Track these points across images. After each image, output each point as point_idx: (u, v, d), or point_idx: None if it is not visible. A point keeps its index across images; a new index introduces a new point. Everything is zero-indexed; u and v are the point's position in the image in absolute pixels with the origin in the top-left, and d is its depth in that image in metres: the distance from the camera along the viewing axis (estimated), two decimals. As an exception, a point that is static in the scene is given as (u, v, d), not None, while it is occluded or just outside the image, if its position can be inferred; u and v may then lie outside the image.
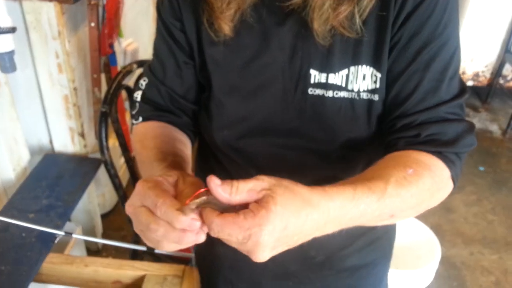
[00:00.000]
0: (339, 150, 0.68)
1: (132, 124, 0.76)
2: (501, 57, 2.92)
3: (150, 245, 0.50)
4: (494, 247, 2.07)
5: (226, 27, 0.62)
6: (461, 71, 2.97)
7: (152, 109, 0.74)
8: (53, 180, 1.47)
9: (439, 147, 0.60)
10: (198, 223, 0.45)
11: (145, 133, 0.72)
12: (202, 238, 0.47)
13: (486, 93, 3.16)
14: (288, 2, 0.59)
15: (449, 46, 0.60)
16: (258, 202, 0.45)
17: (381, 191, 0.52)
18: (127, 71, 1.31)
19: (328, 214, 0.48)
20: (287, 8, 0.60)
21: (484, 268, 1.97)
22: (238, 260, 0.82)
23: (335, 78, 0.62)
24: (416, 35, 0.59)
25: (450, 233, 2.14)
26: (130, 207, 0.50)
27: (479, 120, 3.04)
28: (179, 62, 0.71)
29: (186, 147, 0.71)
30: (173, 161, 0.63)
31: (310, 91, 0.64)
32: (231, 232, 0.44)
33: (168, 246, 0.48)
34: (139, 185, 0.49)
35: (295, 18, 0.61)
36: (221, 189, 0.45)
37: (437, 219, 2.21)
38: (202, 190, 0.47)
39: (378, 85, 0.62)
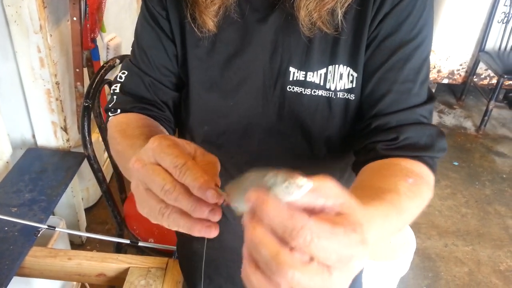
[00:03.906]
0: (315, 151, 0.69)
1: (108, 116, 0.71)
2: (476, 56, 3.01)
3: (149, 214, 0.43)
4: (467, 239, 2.15)
5: (210, 23, 0.63)
6: (436, 69, 3.06)
7: (133, 100, 0.70)
8: (36, 174, 1.47)
9: (417, 151, 0.60)
10: (217, 196, 0.40)
11: (127, 123, 0.67)
12: (215, 218, 0.41)
13: (461, 90, 3.25)
14: None
15: (423, 49, 0.61)
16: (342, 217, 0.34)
17: (400, 205, 0.49)
18: (110, 66, 1.31)
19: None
20: None
21: (458, 259, 2.04)
22: (215, 256, 0.83)
23: (314, 77, 0.64)
24: (392, 35, 0.61)
25: (425, 225, 2.22)
26: (138, 163, 0.43)
27: (454, 117, 3.13)
28: (168, 52, 0.69)
29: None
30: None
31: (289, 88, 0.65)
32: (329, 246, 0.31)
33: (172, 216, 0.41)
34: (155, 141, 0.43)
35: (278, 13, 0.63)
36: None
37: (413, 212, 2.27)
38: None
39: (354, 85, 0.63)
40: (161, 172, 0.41)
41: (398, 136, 0.61)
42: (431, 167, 0.61)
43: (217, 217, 0.41)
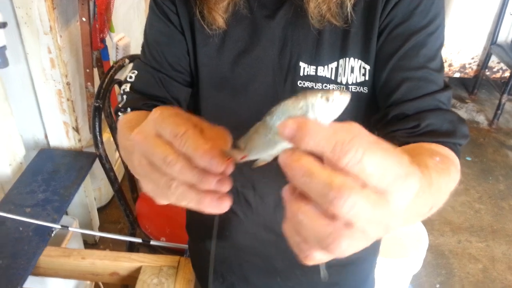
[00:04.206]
0: None
1: (118, 116, 0.70)
2: (487, 49, 2.97)
3: (154, 191, 0.40)
4: (481, 235, 2.13)
5: (220, 19, 0.63)
6: (448, 63, 3.02)
7: (143, 98, 0.69)
8: (49, 175, 1.49)
9: (440, 137, 0.58)
10: (221, 164, 0.37)
11: (137, 119, 0.65)
12: (224, 188, 0.38)
13: (473, 84, 3.21)
14: None
15: (436, 37, 0.61)
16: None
17: (430, 179, 0.46)
18: (119, 66, 1.32)
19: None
20: None
21: (472, 256, 2.02)
22: (227, 255, 0.83)
23: (324, 71, 0.63)
24: (403, 23, 0.60)
25: (438, 222, 2.19)
26: (139, 135, 0.40)
27: (466, 111, 3.09)
28: (180, 47, 0.69)
29: None
30: None
31: (300, 83, 0.65)
32: (382, 161, 0.28)
33: (179, 189, 0.38)
34: (157, 111, 0.40)
35: (287, 7, 0.63)
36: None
37: (425, 208, 2.25)
38: None
39: (367, 77, 0.63)
40: (162, 144, 0.38)
41: (419, 123, 0.58)
42: (456, 152, 0.59)
43: (226, 187, 0.38)
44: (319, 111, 0.31)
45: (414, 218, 0.47)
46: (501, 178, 2.48)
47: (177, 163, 0.37)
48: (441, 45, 0.62)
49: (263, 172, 0.74)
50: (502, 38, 2.93)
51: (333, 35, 0.62)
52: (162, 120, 0.39)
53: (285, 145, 0.33)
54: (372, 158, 0.28)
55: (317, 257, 0.31)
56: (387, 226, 0.30)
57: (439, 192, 0.48)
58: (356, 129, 0.29)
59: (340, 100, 0.31)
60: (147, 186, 0.41)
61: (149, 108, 0.68)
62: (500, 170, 2.54)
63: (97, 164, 1.52)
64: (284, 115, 0.33)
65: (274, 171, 0.78)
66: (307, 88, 0.65)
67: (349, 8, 0.59)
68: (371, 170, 0.28)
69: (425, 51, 0.60)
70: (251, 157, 0.38)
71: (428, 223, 2.07)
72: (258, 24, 0.65)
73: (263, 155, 0.37)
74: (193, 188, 0.38)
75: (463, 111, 3.08)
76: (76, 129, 1.66)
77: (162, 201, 0.40)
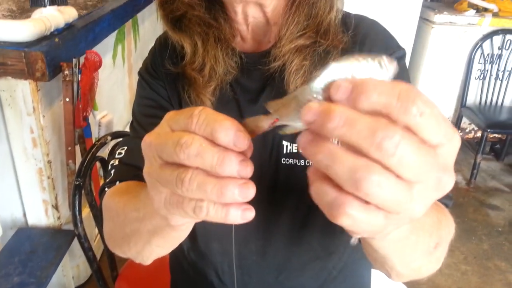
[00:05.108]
0: (312, 218, 0.71)
1: (103, 194, 0.67)
2: (458, 111, 3.12)
3: (167, 199, 0.36)
4: (470, 298, 2.09)
5: (208, 101, 0.68)
6: (422, 126, 3.15)
7: (134, 169, 0.68)
8: (26, 255, 1.45)
9: None
10: (247, 138, 0.34)
11: (127, 188, 0.64)
12: (247, 172, 0.34)
13: (448, 145, 3.31)
14: (269, 65, 0.66)
15: None
16: None
17: (437, 217, 0.50)
18: (101, 143, 1.34)
19: None
20: (267, 72, 0.67)
21: (463, 321, 1.98)
22: None
23: None
24: None
25: (426, 286, 2.16)
26: (152, 135, 0.37)
27: (445, 171, 3.16)
28: None
29: None
30: None
31: (283, 161, 0.68)
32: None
33: (195, 180, 0.33)
34: (169, 113, 0.37)
35: (268, 91, 0.68)
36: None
37: (412, 272, 2.22)
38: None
39: None
40: (175, 132, 0.35)
41: None
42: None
43: (249, 170, 0.34)
44: (373, 75, 0.30)
45: (420, 249, 0.48)
46: (484, 238, 2.50)
47: (193, 143, 0.33)
48: None
49: (248, 250, 0.75)
50: (470, 100, 3.09)
51: None
52: (176, 115, 0.36)
53: None
54: (435, 110, 0.30)
55: (352, 211, 0.30)
56: (438, 180, 0.31)
57: (447, 231, 0.51)
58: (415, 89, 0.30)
59: (391, 66, 0.30)
60: (159, 196, 0.37)
61: (141, 179, 0.66)
62: (482, 230, 2.56)
63: (75, 241, 1.49)
64: (332, 78, 0.31)
65: (261, 248, 0.78)
66: (289, 165, 0.68)
67: None
68: (431, 124, 0.30)
69: None
70: (283, 122, 0.35)
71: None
72: (242, 107, 0.69)
73: (298, 123, 0.34)
74: (212, 176, 0.34)
75: (441, 171, 3.15)
76: (56, 207, 1.64)
77: (175, 208, 0.36)
